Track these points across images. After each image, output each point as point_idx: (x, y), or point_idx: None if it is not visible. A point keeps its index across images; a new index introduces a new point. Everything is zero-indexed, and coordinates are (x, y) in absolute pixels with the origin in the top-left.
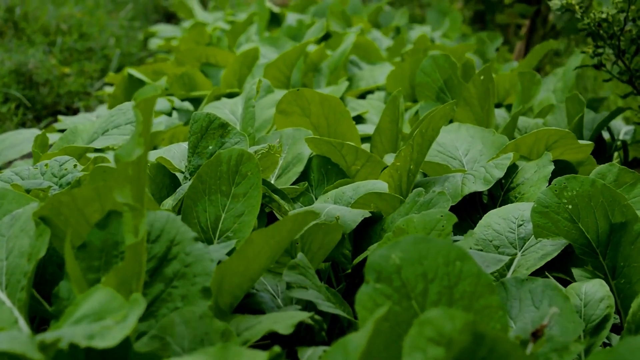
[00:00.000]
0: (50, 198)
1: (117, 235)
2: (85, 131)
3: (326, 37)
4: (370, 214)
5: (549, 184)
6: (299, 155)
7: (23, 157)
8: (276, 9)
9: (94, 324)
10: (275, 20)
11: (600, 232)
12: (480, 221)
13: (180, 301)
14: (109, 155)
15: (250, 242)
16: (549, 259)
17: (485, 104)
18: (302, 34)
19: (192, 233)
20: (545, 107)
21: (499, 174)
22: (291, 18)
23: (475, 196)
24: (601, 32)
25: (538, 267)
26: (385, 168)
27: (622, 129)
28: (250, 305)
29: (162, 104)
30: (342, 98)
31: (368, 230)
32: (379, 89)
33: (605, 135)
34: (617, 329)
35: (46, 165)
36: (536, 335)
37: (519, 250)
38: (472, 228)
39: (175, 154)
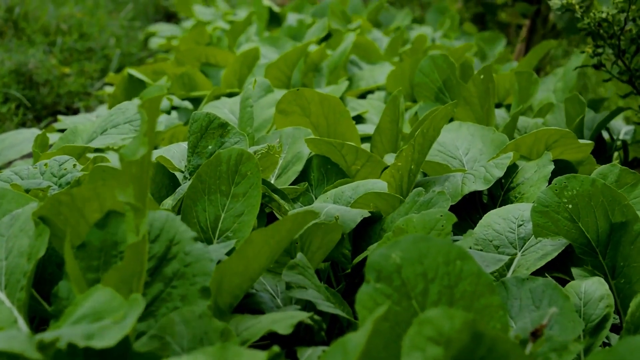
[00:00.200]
0: (49, 198)
1: (116, 235)
2: (85, 131)
3: (326, 36)
4: (369, 214)
5: (549, 183)
6: (298, 154)
7: (23, 157)
8: (276, 9)
9: (93, 323)
10: (275, 20)
11: (600, 231)
12: (480, 221)
13: (179, 301)
14: (109, 155)
15: (249, 241)
16: (549, 258)
17: (485, 103)
18: (303, 34)
19: (192, 233)
20: (544, 107)
21: (499, 173)
22: (291, 18)
23: (475, 196)
24: (601, 31)
25: (538, 267)
26: (385, 168)
27: (622, 128)
28: (249, 305)
29: (162, 103)
30: (342, 98)
31: (368, 230)
32: (379, 88)
33: (605, 135)
34: (616, 329)
35: (45, 165)
36: (535, 334)
37: (519, 250)
38: (472, 228)
39: (175, 154)
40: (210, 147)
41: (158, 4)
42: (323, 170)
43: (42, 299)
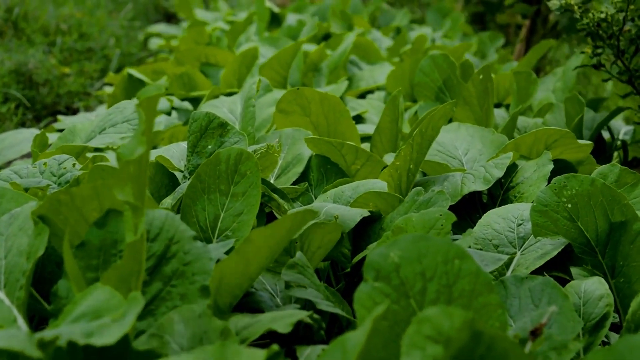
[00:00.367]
0: (48, 197)
1: (115, 234)
2: (84, 130)
3: (326, 37)
4: (369, 213)
5: (549, 183)
6: (298, 155)
7: (23, 156)
8: (276, 9)
9: (93, 322)
10: (275, 20)
11: (600, 231)
12: (479, 220)
13: (179, 300)
14: (108, 154)
15: (249, 241)
16: (548, 258)
17: (484, 103)
18: (301, 34)
19: (191, 232)
20: (544, 107)
21: (499, 173)
22: (291, 18)
23: (474, 195)
24: (600, 32)
25: (537, 266)
26: (385, 167)
27: (621, 128)
28: (249, 304)
29: (161, 103)
30: (342, 98)
31: (367, 230)
32: (379, 88)
33: (605, 134)
34: (616, 329)
35: (45, 164)
36: (535, 333)
37: (519, 250)
38: (472, 227)
39: (175, 153)
40: (209, 146)
41: (158, 5)
42: (323, 170)
43: (41, 298)
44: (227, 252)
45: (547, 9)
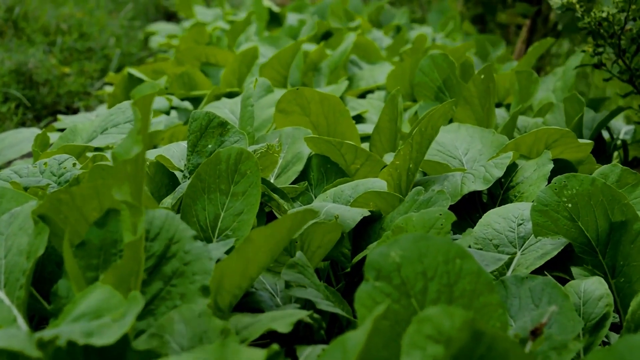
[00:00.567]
0: (48, 196)
1: (115, 234)
2: (85, 130)
3: (326, 36)
4: (369, 213)
5: (549, 182)
6: (298, 154)
7: (23, 156)
8: (276, 9)
9: (93, 321)
10: (275, 19)
11: (600, 230)
12: (480, 220)
13: (179, 299)
14: (108, 154)
15: (249, 240)
16: (548, 257)
17: (485, 103)
18: (301, 34)
19: (191, 231)
20: (544, 106)
21: (499, 173)
22: (292, 18)
23: (474, 195)
24: (601, 31)
25: (538, 266)
26: (384, 167)
27: (622, 128)
28: (249, 303)
29: (161, 103)
30: (342, 97)
31: (367, 229)
32: (379, 88)
33: (605, 134)
34: (616, 329)
35: (45, 164)
36: (535, 333)
37: (519, 249)
38: (472, 227)
39: (175, 153)
40: (209, 146)
41: (158, 4)
42: (322, 170)
43: (41, 297)
44: (227, 252)
45: (548, 9)
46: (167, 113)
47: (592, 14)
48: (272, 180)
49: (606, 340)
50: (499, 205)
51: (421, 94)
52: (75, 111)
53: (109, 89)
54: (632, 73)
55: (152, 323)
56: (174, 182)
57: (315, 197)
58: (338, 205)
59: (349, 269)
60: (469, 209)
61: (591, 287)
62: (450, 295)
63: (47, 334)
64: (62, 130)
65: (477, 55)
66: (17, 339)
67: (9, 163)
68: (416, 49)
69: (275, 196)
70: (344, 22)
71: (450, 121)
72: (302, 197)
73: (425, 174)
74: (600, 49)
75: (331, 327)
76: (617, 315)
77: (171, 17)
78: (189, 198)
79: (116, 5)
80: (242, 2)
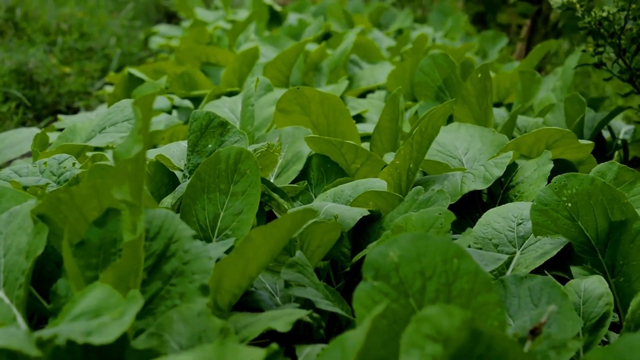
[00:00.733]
0: (48, 195)
1: (115, 233)
2: (84, 129)
3: (327, 36)
4: (369, 213)
5: (549, 182)
6: (298, 153)
7: (23, 156)
8: (277, 8)
9: (92, 320)
10: (276, 19)
11: (600, 230)
12: (479, 219)
13: (178, 299)
14: (108, 153)
15: (248, 240)
16: (548, 257)
17: (483, 102)
18: (303, 33)
19: (191, 231)
20: (545, 107)
21: (499, 172)
22: (292, 17)
23: (474, 195)
24: (602, 30)
25: (537, 265)
26: (385, 167)
27: (622, 128)
28: (248, 303)
29: (162, 102)
30: (342, 97)
31: (367, 229)
32: (379, 88)
33: (606, 134)
34: (616, 328)
35: (45, 163)
36: (534, 332)
37: (519, 249)
38: (472, 226)
39: (175, 153)
40: (210, 145)
41: (159, 4)
42: (322, 169)
43: (41, 297)
44: (227, 251)
45: (548, 8)
46: (169, 112)
47: (593, 13)
48: (272, 180)
49: (606, 339)
50: (498, 205)
51: (421, 93)
52: (75, 111)
53: (109, 89)
54: (632, 72)
55: (152, 322)
56: (173, 182)
57: (315, 197)
58: (338, 205)
59: (348, 269)
60: (468, 208)
61: (591, 286)
62: (449, 295)
63: (46, 333)
64: (62, 130)
65: (478, 55)
66: (16, 338)
67: (9, 163)
68: (417, 48)
69: (275, 195)
70: (344, 23)
71: (450, 120)
72: (302, 197)
73: (425, 174)
74: (601, 49)
75: (331, 327)
76: (616, 315)
77: (172, 17)
78: (189, 198)
79: (117, 5)
80: (242, 2)
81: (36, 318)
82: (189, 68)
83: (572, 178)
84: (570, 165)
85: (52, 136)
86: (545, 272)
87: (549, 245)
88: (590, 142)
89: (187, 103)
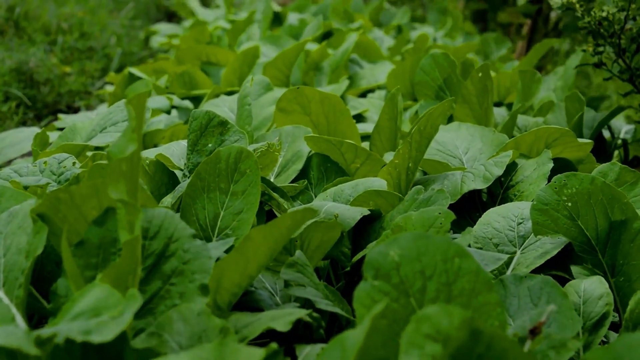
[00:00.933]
0: (48, 195)
1: (114, 232)
2: (84, 129)
3: (327, 35)
4: (369, 212)
5: (549, 181)
6: (298, 153)
7: (23, 155)
8: (277, 8)
9: (91, 319)
10: (276, 19)
11: (600, 229)
12: (479, 219)
13: (178, 298)
14: None
15: (248, 239)
16: (548, 257)
17: (483, 101)
18: (304, 33)
19: (191, 230)
20: (545, 105)
21: (499, 171)
22: (293, 17)
23: (474, 194)
24: (602, 30)
25: (537, 265)
26: (384, 166)
27: (622, 127)
28: (248, 302)
29: (162, 102)
30: (342, 96)
31: (367, 228)
32: (379, 87)
33: (606, 133)
34: (616, 328)
35: (45, 163)
36: (534, 332)
37: (519, 248)
38: (472, 226)
39: (175, 152)
40: (210, 145)
41: (159, 3)
42: (322, 169)
43: (40, 296)
44: (226, 251)
45: (549, 8)
46: (168, 112)
47: (592, 13)
48: (272, 179)
49: (605, 339)
50: (498, 204)
51: (422, 93)
52: (76, 110)
53: (109, 89)
54: (632, 72)
55: (151, 322)
56: (173, 181)
57: (315, 196)
58: (338, 204)
59: (348, 268)
60: (468, 207)
61: (591, 286)
62: (449, 294)
63: (45, 332)
64: (62, 129)
65: (479, 54)
66: (15, 337)
67: (9, 162)
68: (417, 48)
69: (275, 195)
70: (345, 22)
71: (450, 120)
72: (302, 196)
73: (425, 173)
74: (601, 49)
75: (330, 326)
76: (616, 315)
77: (172, 16)
78: (189, 197)
79: (117, 5)
80: (241, 2)
81: (36, 318)
82: (189, 67)
83: (572, 177)
84: (570, 164)
85: (53, 136)
86: (545, 272)
87: (549, 245)
88: (589, 140)
89: (187, 103)
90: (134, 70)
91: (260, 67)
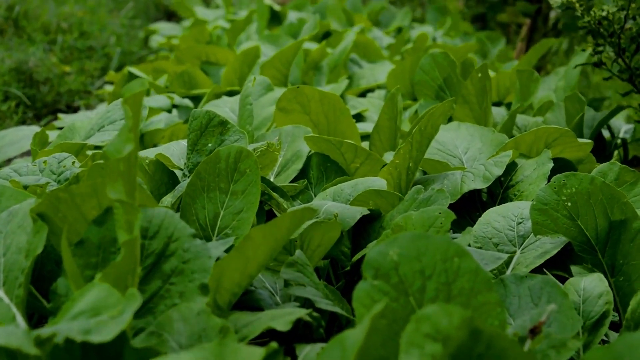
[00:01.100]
0: (47, 194)
1: (114, 232)
2: (83, 128)
3: (326, 35)
4: (368, 212)
5: (548, 181)
6: (298, 152)
7: (23, 154)
8: (277, 7)
9: (90, 319)
10: (276, 18)
11: (600, 229)
12: (479, 219)
13: (178, 298)
14: None
15: (248, 238)
16: (548, 256)
17: (483, 101)
18: (303, 32)
19: (190, 230)
20: (544, 105)
21: (498, 171)
22: (292, 16)
23: (474, 194)
24: (601, 30)
25: (537, 264)
26: (384, 166)
27: (622, 127)
28: (248, 302)
29: (163, 100)
30: (342, 96)
31: (367, 228)
32: (379, 87)
33: (606, 133)
34: (616, 327)
35: (45, 162)
36: (534, 332)
37: (519, 248)
38: (472, 226)
39: (175, 151)
40: (210, 144)
41: (159, 3)
42: (322, 168)
43: (40, 296)
44: (226, 250)
45: (548, 7)
46: (169, 111)
47: (592, 12)
48: (271, 179)
49: (605, 339)
50: (498, 204)
51: (422, 92)
52: (75, 110)
53: (109, 88)
54: (632, 72)
55: (151, 321)
56: (173, 181)
57: (315, 196)
58: (337, 204)
59: (348, 268)
60: (468, 207)
61: (591, 284)
62: (449, 294)
63: (44, 331)
64: (62, 129)
65: (478, 54)
66: (15, 337)
67: (9, 161)
68: (417, 47)
69: (275, 195)
70: (344, 22)
71: (450, 120)
72: (301, 196)
73: (425, 173)
74: (600, 48)
75: (330, 326)
76: (616, 314)
77: (172, 16)
78: (189, 196)
79: (117, 4)
80: (241, 2)
81: (36, 317)
82: (189, 67)
83: (571, 177)
84: (570, 164)
85: (52, 135)
86: (545, 271)
87: (549, 245)
88: (589, 140)
89: (187, 102)
90: (134, 70)
91: (258, 67)
